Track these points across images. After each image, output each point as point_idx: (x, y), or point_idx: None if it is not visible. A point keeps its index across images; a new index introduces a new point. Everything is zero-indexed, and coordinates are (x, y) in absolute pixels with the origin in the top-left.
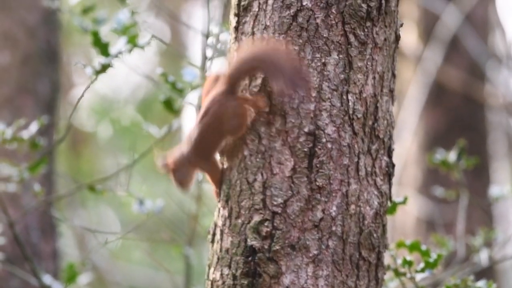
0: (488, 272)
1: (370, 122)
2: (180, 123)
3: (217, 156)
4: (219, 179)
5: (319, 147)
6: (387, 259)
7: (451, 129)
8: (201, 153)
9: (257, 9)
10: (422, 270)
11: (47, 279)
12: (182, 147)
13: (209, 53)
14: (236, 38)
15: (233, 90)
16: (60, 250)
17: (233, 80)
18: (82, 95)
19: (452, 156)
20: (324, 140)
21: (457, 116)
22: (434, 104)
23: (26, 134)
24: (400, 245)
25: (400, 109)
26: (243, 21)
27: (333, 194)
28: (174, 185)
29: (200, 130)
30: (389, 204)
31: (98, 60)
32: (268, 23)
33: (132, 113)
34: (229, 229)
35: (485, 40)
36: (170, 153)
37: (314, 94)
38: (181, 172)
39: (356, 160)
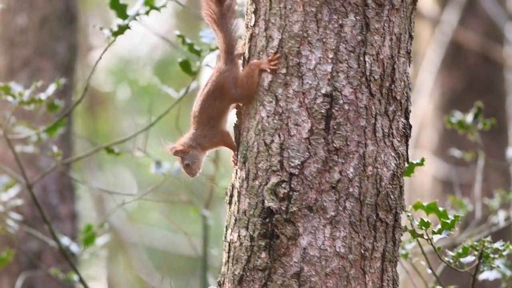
0: (505, 233)
1: (387, 84)
2: (198, 85)
3: (224, 125)
4: (233, 143)
5: (336, 108)
6: (404, 221)
7: (468, 90)
8: (205, 122)
9: None
10: (439, 232)
11: (65, 240)
12: (189, 131)
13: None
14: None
15: (231, 59)
16: (78, 212)
17: (229, 49)
18: (100, 57)
19: (469, 117)
20: (341, 101)
21: (474, 77)
22: (451, 66)
23: (44, 96)
24: (417, 206)
25: (418, 71)
26: None
27: (350, 156)
28: (182, 169)
29: (201, 101)
30: (406, 165)
31: (116, 21)
32: None
33: (149, 75)
34: (247, 190)
35: (503, 1)
36: (180, 138)
37: (331, 56)
38: (189, 155)
39: (373, 121)
